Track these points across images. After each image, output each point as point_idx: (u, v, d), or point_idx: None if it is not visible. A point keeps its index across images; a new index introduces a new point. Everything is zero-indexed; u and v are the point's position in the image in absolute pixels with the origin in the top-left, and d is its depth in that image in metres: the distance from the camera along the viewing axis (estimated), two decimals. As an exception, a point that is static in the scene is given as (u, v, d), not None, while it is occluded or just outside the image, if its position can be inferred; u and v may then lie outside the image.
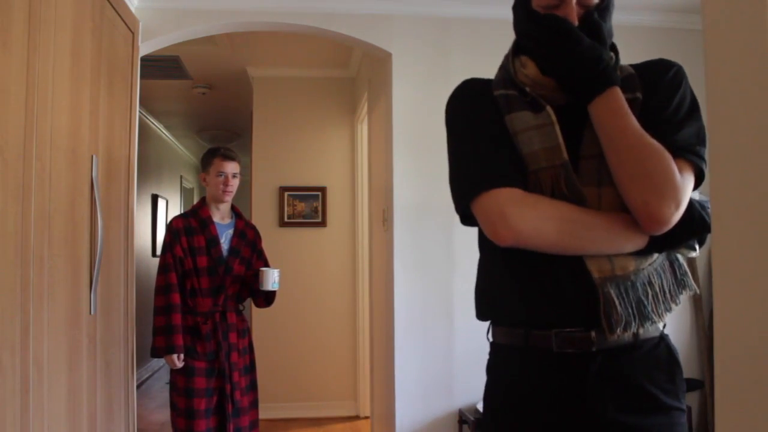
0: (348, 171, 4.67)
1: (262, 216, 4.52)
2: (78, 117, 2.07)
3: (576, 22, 1.04)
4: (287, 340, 4.51)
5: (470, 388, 3.01)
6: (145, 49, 3.00)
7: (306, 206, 4.59)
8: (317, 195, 4.61)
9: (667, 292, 1.03)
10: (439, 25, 3.22)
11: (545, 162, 1.04)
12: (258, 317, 4.33)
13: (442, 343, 3.07)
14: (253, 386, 2.75)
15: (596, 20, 1.05)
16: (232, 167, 2.72)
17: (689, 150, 1.02)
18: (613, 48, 1.13)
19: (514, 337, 1.09)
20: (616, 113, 1.02)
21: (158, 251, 5.82)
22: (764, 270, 0.69)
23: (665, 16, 3.39)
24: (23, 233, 1.66)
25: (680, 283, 1.06)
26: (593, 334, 1.01)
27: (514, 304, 1.09)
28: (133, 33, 2.73)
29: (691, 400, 3.38)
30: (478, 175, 1.06)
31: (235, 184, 2.73)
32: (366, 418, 4.39)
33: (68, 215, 1.96)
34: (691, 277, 1.08)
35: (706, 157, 1.02)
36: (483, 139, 1.09)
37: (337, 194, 4.64)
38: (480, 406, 3.16)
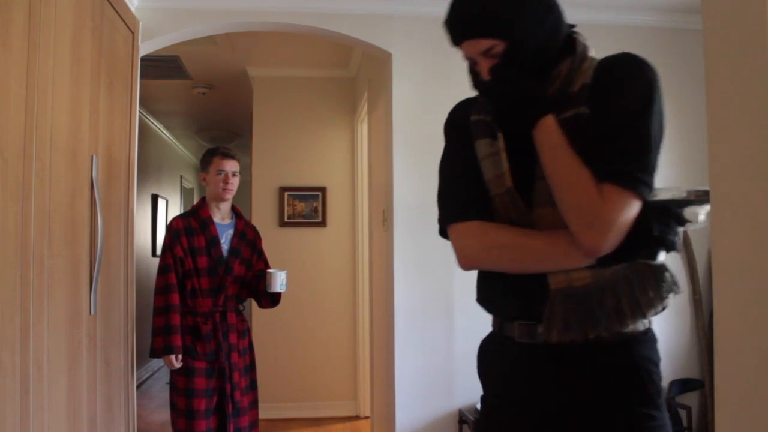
0: (348, 171, 4.67)
1: (262, 216, 4.52)
2: (78, 117, 2.07)
3: (487, 76, 1.10)
4: (287, 340, 4.51)
5: (470, 388, 3.00)
6: (145, 49, 3.00)
7: (306, 206, 4.59)
8: (317, 195, 4.61)
9: (634, 300, 1.04)
10: (439, 25, 3.21)
11: (496, 189, 1.11)
12: (258, 317, 4.33)
13: (442, 343, 3.07)
14: (253, 386, 2.75)
15: (500, 70, 1.08)
16: (231, 165, 2.72)
17: (615, 172, 1.00)
18: (570, 50, 1.11)
19: (494, 324, 1.22)
20: (544, 144, 1.05)
21: (158, 251, 5.82)
22: (764, 270, 0.69)
23: (665, 16, 3.40)
24: (23, 233, 1.66)
25: (659, 288, 1.06)
26: (539, 328, 1.09)
27: (492, 296, 1.20)
28: (133, 33, 2.73)
29: (691, 400, 3.38)
30: (447, 208, 1.17)
31: (235, 182, 2.73)
32: (366, 418, 4.39)
33: (68, 215, 1.96)
34: (675, 280, 1.08)
35: (656, 161, 1.02)
36: (455, 167, 1.18)
37: (337, 194, 4.64)
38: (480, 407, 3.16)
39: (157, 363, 5.99)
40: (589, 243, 0.99)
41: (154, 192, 6.24)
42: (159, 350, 2.53)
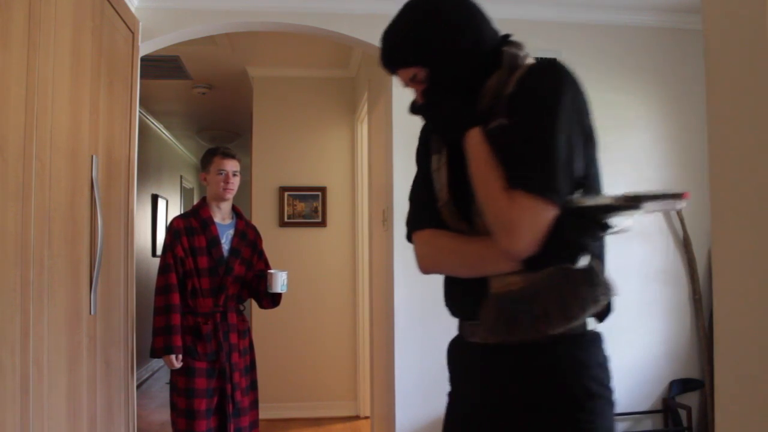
0: (348, 171, 4.66)
1: (262, 216, 4.52)
2: (78, 117, 2.07)
3: (420, 100, 1.21)
4: (287, 340, 4.50)
5: (470, 388, 3.00)
6: (145, 49, 3.00)
7: (306, 206, 4.59)
8: (317, 195, 4.61)
9: (562, 303, 1.05)
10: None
11: (440, 201, 1.21)
12: (258, 317, 4.33)
13: (442, 343, 3.04)
14: (253, 386, 2.74)
15: (428, 93, 1.19)
16: (232, 165, 2.72)
17: (520, 178, 1.04)
18: (495, 63, 1.15)
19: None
20: (469, 156, 1.12)
21: (158, 251, 5.82)
22: (764, 270, 0.69)
23: (665, 16, 3.40)
24: (23, 233, 1.65)
25: (590, 291, 1.05)
26: (472, 329, 1.20)
27: (451, 297, 1.31)
28: (133, 33, 2.73)
29: (691, 400, 3.38)
30: (409, 217, 1.31)
31: (235, 182, 2.73)
32: (366, 418, 4.39)
33: (68, 215, 1.96)
34: (607, 283, 1.07)
35: (569, 165, 1.04)
36: (417, 180, 1.31)
37: (337, 194, 4.64)
38: (480, 406, 3.16)
39: (157, 363, 5.99)
40: (506, 247, 1.05)
41: (154, 192, 6.24)
42: (159, 350, 2.53)
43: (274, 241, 4.28)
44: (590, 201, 1.06)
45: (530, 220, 1.03)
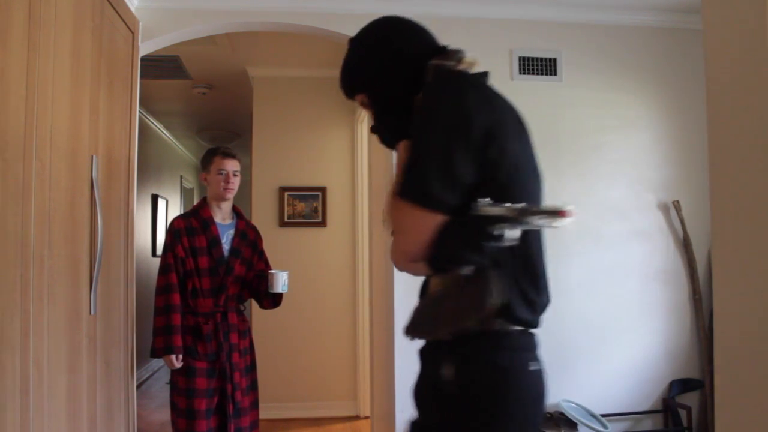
0: (348, 171, 4.66)
1: (262, 216, 4.52)
2: (78, 117, 2.07)
3: (373, 122, 1.33)
4: (287, 340, 4.51)
5: (470, 388, 3.00)
6: (145, 49, 3.00)
7: (306, 206, 4.59)
8: (317, 195, 4.61)
9: (455, 308, 1.10)
10: (439, 25, 3.21)
11: None
12: (258, 317, 4.33)
13: (442, 343, 3.06)
14: (253, 386, 2.74)
15: (372, 118, 1.32)
16: (232, 165, 2.72)
17: (399, 185, 1.13)
18: (411, 89, 1.23)
19: None
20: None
21: (158, 251, 5.82)
22: (764, 270, 0.69)
23: (665, 16, 3.40)
24: (23, 233, 1.65)
25: (480, 297, 1.08)
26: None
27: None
28: (133, 33, 2.73)
29: (691, 400, 3.38)
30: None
31: (236, 182, 2.73)
32: (366, 418, 4.39)
33: (68, 215, 1.96)
34: (492, 290, 1.08)
35: (446, 173, 1.08)
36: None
37: (337, 194, 4.64)
38: (480, 406, 3.16)
39: (157, 363, 5.99)
40: (396, 248, 1.14)
41: (154, 192, 6.24)
42: (159, 350, 2.53)
43: (274, 241, 4.28)
44: (491, 210, 1.07)
45: (410, 224, 1.11)
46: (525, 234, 1.09)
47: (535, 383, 1.13)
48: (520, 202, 1.06)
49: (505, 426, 1.09)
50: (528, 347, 1.15)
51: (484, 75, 1.26)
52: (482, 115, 1.11)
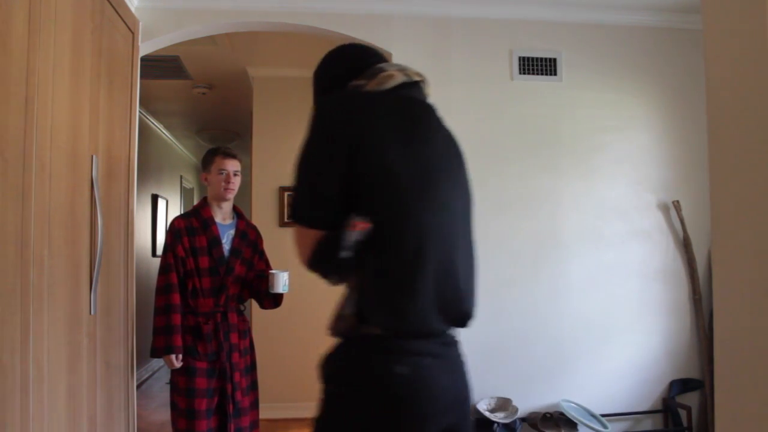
0: (348, 171, 4.66)
1: (262, 216, 4.52)
2: (78, 117, 2.07)
3: None
4: (287, 340, 4.50)
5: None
6: (145, 49, 3.00)
7: (306, 206, 4.59)
8: (317, 195, 4.60)
9: (339, 311, 1.26)
10: (439, 25, 3.22)
11: None
12: (258, 317, 4.33)
13: (442, 343, 3.06)
14: (253, 386, 2.74)
15: None
16: (233, 165, 2.72)
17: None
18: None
19: None
20: None
21: (158, 251, 5.82)
22: (764, 270, 0.69)
23: (665, 16, 3.40)
24: (23, 233, 1.66)
25: (349, 303, 1.23)
26: None
27: None
28: (133, 33, 2.73)
29: (691, 400, 3.38)
30: None
31: (236, 182, 2.73)
32: (366, 418, 4.38)
33: (68, 215, 1.96)
34: (349, 300, 1.22)
35: (316, 193, 1.19)
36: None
37: (337, 194, 4.63)
38: (479, 406, 3.16)
39: (157, 363, 5.99)
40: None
41: (154, 192, 6.24)
42: (160, 350, 2.53)
43: (275, 241, 4.27)
44: (347, 223, 1.15)
45: (296, 239, 1.25)
46: (408, 247, 1.14)
47: (398, 384, 1.14)
48: (393, 209, 1.13)
49: (357, 423, 1.17)
50: (395, 351, 1.16)
51: (399, 88, 1.24)
52: (347, 129, 1.16)
